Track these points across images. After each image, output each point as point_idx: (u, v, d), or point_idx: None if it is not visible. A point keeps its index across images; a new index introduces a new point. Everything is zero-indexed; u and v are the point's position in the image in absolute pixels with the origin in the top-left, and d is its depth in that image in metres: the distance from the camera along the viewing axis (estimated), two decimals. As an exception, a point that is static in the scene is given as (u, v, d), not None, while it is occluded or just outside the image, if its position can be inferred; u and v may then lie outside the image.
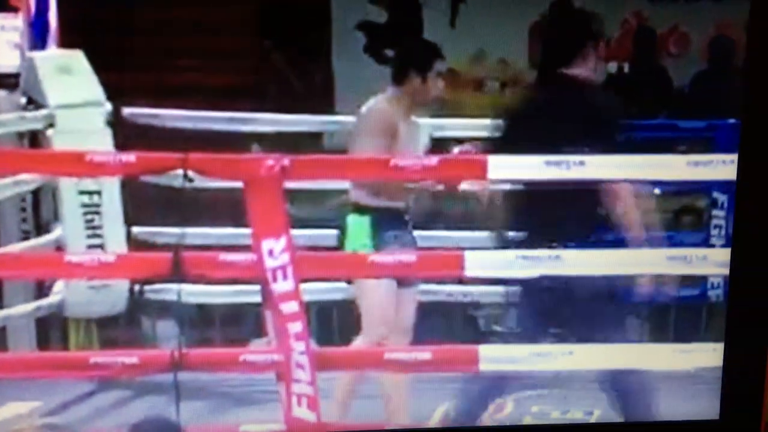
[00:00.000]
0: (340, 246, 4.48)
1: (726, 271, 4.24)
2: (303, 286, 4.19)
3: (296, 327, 4.10)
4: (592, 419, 4.44)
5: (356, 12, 5.33)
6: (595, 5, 4.53)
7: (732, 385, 4.07)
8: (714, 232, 5.40)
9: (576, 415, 4.48)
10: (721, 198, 5.30)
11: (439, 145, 4.67)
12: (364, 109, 4.48)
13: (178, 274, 4.14)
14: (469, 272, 4.21)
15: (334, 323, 5.00)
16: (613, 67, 7.48)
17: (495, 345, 4.44)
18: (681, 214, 6.27)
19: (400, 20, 7.34)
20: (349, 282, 4.59)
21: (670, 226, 6.25)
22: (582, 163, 4.02)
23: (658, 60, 7.43)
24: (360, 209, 4.44)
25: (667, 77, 7.38)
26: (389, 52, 5.99)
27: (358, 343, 4.47)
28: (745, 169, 3.94)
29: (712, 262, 4.26)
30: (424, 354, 4.21)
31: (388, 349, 4.30)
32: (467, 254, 4.19)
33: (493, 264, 4.20)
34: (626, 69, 7.45)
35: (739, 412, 4.10)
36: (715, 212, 5.37)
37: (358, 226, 4.43)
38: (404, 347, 4.36)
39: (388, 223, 4.44)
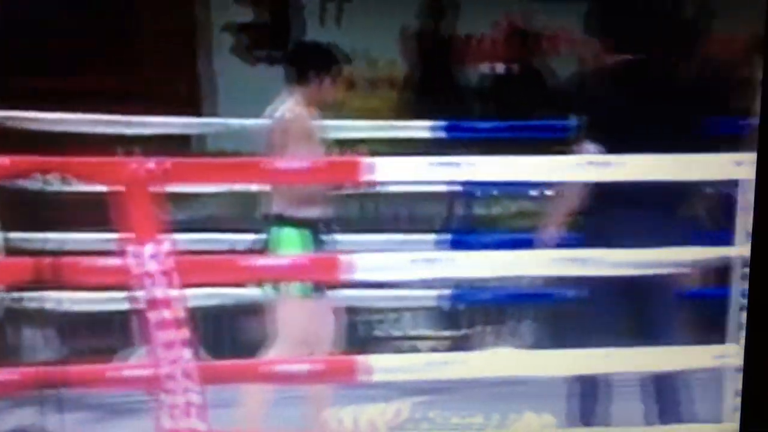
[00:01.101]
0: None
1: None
2: (212, 291, 4.07)
3: (178, 335, 3.94)
4: (492, 424, 4.36)
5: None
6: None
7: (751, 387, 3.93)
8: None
9: (476, 420, 4.40)
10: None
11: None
12: (283, 114, 4.39)
13: (49, 280, 3.96)
14: (359, 275, 4.10)
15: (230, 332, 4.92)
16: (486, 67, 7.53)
17: (387, 355, 4.33)
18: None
19: (278, 21, 7.32)
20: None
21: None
22: (473, 164, 3.91)
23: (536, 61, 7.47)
24: (286, 221, 4.34)
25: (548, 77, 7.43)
26: (277, 54, 5.93)
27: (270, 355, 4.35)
28: (764, 167, 3.79)
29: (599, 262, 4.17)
30: (316, 365, 4.10)
31: (276, 361, 4.16)
32: (357, 257, 4.07)
33: (384, 266, 4.10)
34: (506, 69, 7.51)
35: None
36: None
37: (288, 239, 4.33)
38: (292, 359, 4.22)
39: (317, 231, 4.36)
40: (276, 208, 4.38)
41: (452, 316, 6.10)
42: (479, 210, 6.59)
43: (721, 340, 3.97)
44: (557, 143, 5.55)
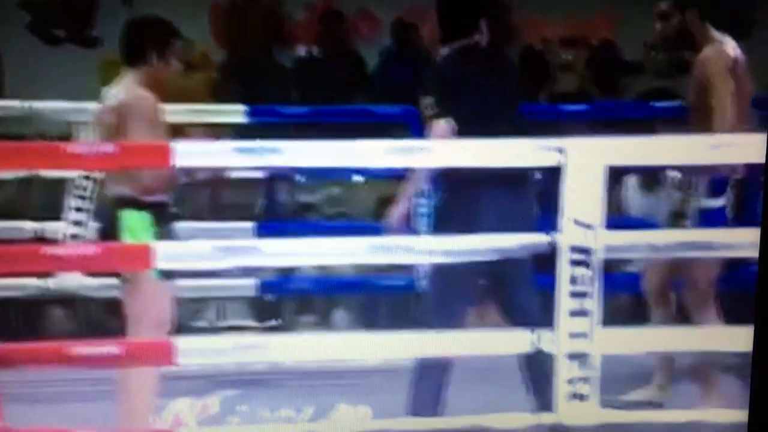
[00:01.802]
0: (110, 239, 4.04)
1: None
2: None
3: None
4: (304, 417, 4.20)
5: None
6: None
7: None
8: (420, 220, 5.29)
9: (288, 414, 4.23)
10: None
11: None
12: (121, 97, 4.04)
13: None
14: (161, 265, 3.86)
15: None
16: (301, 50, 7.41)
17: (195, 337, 4.11)
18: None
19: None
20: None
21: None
22: (275, 150, 3.72)
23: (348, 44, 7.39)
24: (133, 204, 4.02)
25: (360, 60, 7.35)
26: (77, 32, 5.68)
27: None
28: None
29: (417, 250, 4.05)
30: (113, 348, 3.81)
31: (73, 343, 3.87)
32: (158, 247, 3.83)
33: (188, 257, 3.87)
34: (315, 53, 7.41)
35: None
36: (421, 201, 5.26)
37: (134, 222, 4.02)
38: (91, 342, 3.92)
39: (164, 216, 4.09)
40: (116, 191, 4.07)
41: (265, 306, 5.95)
42: (291, 197, 6.47)
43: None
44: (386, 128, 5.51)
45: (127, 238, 4.00)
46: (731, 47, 4.40)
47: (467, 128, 3.97)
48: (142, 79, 4.07)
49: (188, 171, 4.10)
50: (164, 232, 4.05)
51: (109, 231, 4.05)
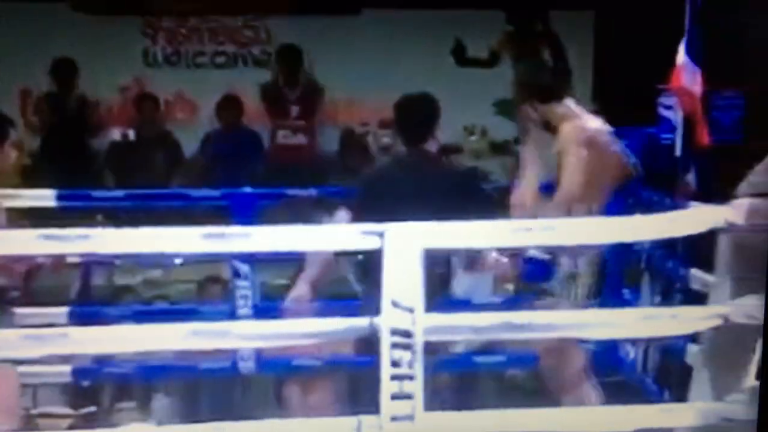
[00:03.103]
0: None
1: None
2: None
3: None
4: None
5: None
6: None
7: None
8: (240, 302, 5.16)
9: None
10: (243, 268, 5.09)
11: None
12: None
13: None
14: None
15: None
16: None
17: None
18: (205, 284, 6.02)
19: None
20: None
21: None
22: (85, 236, 3.54)
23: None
24: None
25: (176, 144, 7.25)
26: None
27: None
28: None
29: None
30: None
31: None
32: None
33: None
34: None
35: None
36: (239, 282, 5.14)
37: None
38: None
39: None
40: None
41: (81, 393, 5.68)
42: (104, 280, 6.26)
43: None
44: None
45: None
46: (588, 120, 4.47)
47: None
48: None
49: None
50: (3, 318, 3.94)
51: None
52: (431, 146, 4.40)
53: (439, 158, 4.43)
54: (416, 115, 4.42)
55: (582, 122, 4.50)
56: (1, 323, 3.91)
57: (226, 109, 7.21)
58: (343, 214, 4.38)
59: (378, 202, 4.26)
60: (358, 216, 4.21)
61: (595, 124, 4.53)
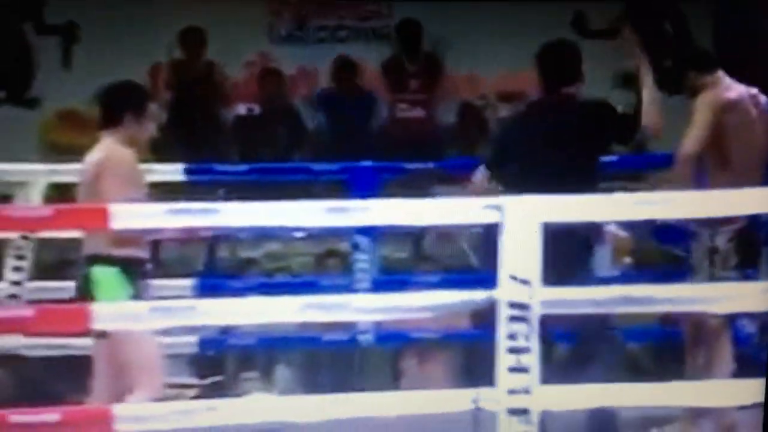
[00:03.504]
0: (85, 297, 3.93)
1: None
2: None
3: None
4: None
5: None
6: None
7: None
8: (359, 275, 5.22)
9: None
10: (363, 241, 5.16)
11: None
12: (100, 157, 4.02)
13: None
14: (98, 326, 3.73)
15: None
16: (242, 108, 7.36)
17: (131, 404, 3.97)
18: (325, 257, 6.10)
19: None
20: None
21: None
22: (215, 210, 3.64)
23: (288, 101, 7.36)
24: (104, 260, 3.95)
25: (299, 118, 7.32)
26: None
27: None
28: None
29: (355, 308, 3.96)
30: (53, 416, 3.68)
31: (11, 412, 3.73)
32: (95, 308, 3.71)
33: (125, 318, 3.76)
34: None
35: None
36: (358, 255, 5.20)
37: (107, 278, 3.95)
38: (30, 410, 3.78)
39: (136, 272, 4.00)
40: (91, 247, 4.01)
41: (206, 363, 5.82)
42: (232, 254, 6.39)
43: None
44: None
45: (101, 297, 3.91)
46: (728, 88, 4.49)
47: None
48: (122, 138, 4.07)
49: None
50: (139, 289, 3.99)
51: (83, 289, 3.99)
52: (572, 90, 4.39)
53: (574, 98, 4.39)
54: (560, 59, 4.41)
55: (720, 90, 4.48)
56: (137, 295, 3.98)
57: (342, 71, 7.25)
58: (481, 170, 4.40)
59: (517, 148, 4.31)
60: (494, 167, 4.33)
61: (735, 92, 4.50)
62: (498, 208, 3.55)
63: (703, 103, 4.46)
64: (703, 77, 4.53)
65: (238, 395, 5.57)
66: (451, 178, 5.47)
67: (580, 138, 4.24)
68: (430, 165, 5.45)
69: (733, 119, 4.43)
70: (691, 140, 4.41)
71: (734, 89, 4.52)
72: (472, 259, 5.91)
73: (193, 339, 5.25)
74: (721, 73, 4.56)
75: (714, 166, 4.41)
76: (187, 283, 5.26)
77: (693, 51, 4.88)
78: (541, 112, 4.43)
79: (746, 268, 4.30)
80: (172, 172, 5.21)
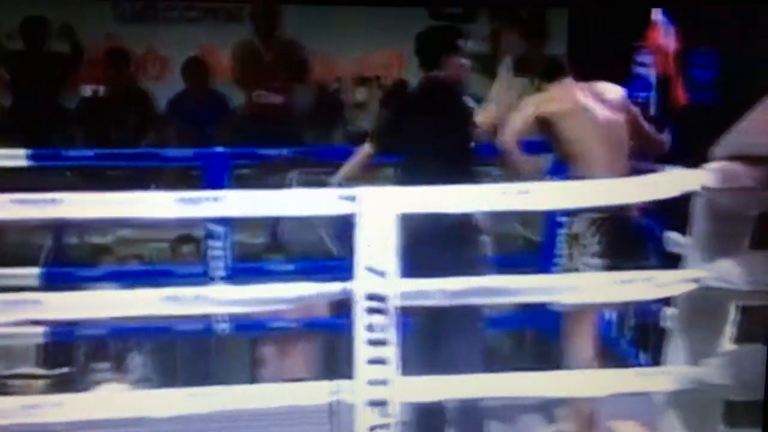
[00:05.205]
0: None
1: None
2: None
3: None
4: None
5: None
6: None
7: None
8: (213, 263, 5.12)
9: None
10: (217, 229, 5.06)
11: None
12: None
13: None
14: None
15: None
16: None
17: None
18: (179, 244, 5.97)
19: None
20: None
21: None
22: (56, 201, 3.47)
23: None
24: None
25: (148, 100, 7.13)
26: None
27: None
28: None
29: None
30: None
31: None
32: None
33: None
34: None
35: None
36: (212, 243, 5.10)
37: None
38: None
39: None
40: None
41: (52, 353, 5.64)
42: (81, 239, 6.20)
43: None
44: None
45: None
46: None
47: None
48: None
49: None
50: None
51: None
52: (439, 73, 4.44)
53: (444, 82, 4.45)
54: (429, 41, 4.51)
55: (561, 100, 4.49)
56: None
57: (191, 72, 7.03)
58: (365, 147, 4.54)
59: (396, 127, 4.51)
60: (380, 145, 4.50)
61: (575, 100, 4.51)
62: (352, 199, 3.50)
63: (532, 104, 4.47)
64: (549, 84, 4.54)
65: (88, 386, 5.44)
66: (307, 163, 5.44)
67: (444, 122, 4.36)
68: (284, 151, 5.35)
69: (578, 124, 4.43)
70: (506, 131, 4.42)
71: (577, 95, 4.49)
72: (331, 246, 5.87)
73: (39, 329, 5.06)
74: (568, 80, 4.54)
75: (575, 170, 4.42)
76: (32, 271, 5.07)
77: (543, 61, 4.87)
78: (415, 94, 4.73)
79: (609, 257, 4.35)
80: (15, 157, 4.99)
